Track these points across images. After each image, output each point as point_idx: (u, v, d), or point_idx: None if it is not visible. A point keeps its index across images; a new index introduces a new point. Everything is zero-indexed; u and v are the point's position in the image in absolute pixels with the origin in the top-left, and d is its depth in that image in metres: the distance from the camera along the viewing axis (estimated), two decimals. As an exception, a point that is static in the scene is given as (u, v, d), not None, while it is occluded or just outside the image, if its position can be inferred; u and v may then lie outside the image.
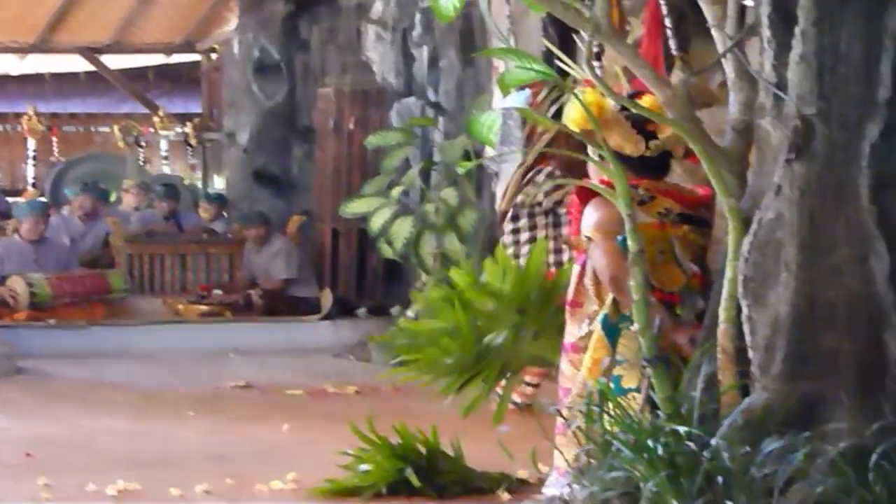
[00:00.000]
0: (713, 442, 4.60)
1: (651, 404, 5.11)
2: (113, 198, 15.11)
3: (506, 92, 5.50)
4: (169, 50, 18.07)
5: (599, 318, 5.55)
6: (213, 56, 17.47)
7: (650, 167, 5.61)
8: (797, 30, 4.73)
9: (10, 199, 14.96)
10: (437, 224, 11.05)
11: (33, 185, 17.71)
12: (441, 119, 11.61)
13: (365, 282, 13.13)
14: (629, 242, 5.16)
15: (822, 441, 4.51)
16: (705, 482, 4.54)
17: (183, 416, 8.67)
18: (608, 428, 4.99)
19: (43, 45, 17.38)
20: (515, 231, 8.35)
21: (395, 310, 11.97)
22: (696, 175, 5.81)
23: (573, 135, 5.51)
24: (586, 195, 5.60)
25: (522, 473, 6.37)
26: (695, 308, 5.42)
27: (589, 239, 5.56)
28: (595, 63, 6.16)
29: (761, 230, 4.83)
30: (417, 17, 11.82)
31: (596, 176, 5.71)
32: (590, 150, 5.60)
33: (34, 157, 18.22)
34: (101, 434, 8.12)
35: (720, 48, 5.28)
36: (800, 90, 4.72)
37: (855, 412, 4.57)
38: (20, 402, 9.29)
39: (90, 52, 17.72)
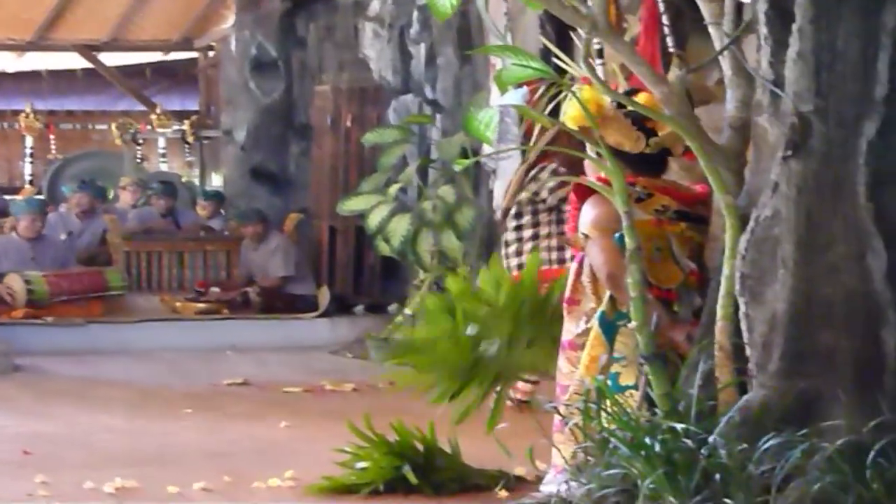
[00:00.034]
0: (711, 439, 4.60)
1: (648, 401, 5.12)
2: (110, 195, 15.07)
3: (503, 89, 5.48)
4: (166, 47, 18.06)
5: (597, 315, 5.55)
6: (211, 53, 17.45)
7: (648, 164, 5.61)
8: (794, 27, 4.73)
9: (7, 197, 14.89)
10: (434, 221, 11.03)
11: (30, 182, 17.68)
12: (438, 116, 11.59)
13: (362, 279, 13.13)
14: (626, 240, 5.17)
15: (819, 438, 4.51)
16: (703, 479, 4.55)
17: (180, 413, 8.66)
18: (606, 425, 5.00)
19: (40, 43, 17.36)
20: (518, 228, 8.33)
21: (392, 307, 11.97)
22: (693, 172, 5.81)
23: (572, 132, 5.51)
24: (584, 192, 5.60)
25: (520, 471, 6.35)
26: (692, 305, 5.42)
27: (586, 236, 5.55)
28: (598, 61, 6.18)
29: (758, 227, 4.83)
30: (415, 14, 11.81)
31: (593, 173, 5.71)
32: (587, 147, 5.60)
33: (31, 155, 18.17)
34: (99, 431, 8.10)
35: (717, 45, 5.29)
36: (797, 87, 4.72)
37: (852, 409, 4.57)
38: (18, 400, 9.28)
39: (87, 50, 17.69)
